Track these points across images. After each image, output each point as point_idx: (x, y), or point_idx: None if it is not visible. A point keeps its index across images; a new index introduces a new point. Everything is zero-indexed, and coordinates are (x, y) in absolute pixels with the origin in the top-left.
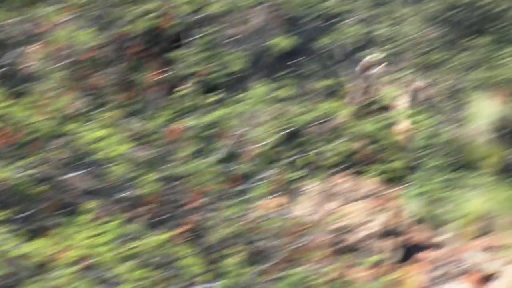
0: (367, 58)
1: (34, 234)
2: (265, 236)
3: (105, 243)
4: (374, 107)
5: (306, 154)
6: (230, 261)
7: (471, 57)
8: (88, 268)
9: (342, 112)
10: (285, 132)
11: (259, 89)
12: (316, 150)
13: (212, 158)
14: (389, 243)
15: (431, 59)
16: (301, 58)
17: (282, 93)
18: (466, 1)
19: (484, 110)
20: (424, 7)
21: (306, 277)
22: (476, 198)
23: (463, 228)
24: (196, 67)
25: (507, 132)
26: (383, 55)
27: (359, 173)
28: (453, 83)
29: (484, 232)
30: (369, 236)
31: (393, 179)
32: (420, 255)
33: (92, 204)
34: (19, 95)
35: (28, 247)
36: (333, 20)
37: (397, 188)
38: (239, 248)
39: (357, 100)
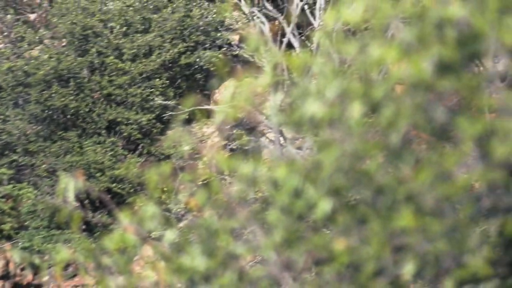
0: None
1: None
2: None
3: None
4: None
5: None
6: None
7: (63, 146)
8: None
9: None
10: None
11: None
12: None
13: None
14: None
15: (33, 148)
16: None
17: None
18: (59, 105)
19: (70, 186)
20: (28, 108)
21: None
22: (67, 250)
23: (58, 272)
24: None
25: (86, 201)
26: None
27: None
28: (50, 165)
29: (74, 274)
30: None
31: (4, 237)
32: None
33: None
34: None
35: None
36: None
37: (8, 244)
38: None
39: None
